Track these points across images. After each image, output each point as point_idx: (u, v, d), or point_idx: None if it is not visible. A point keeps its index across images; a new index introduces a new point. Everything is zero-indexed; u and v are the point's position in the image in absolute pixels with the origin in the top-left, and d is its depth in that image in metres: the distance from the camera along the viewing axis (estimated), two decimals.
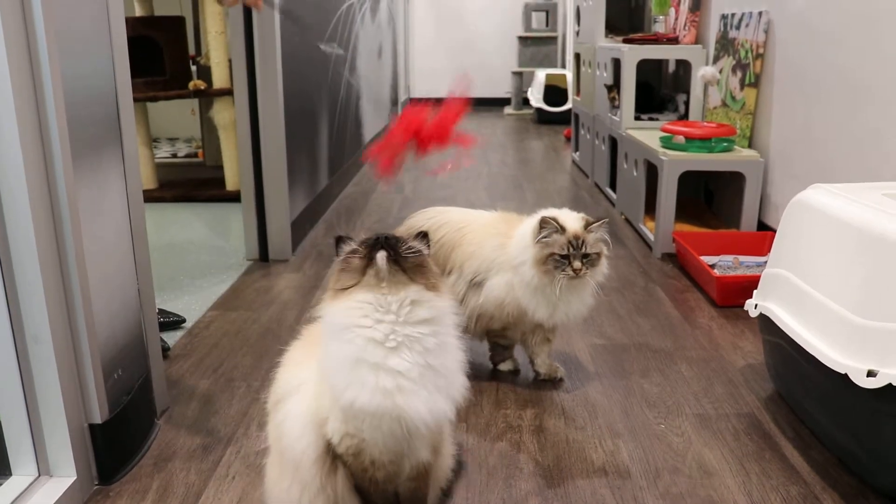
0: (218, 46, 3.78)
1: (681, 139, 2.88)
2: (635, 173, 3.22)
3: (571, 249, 1.63)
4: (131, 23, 3.73)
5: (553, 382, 1.87)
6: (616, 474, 1.48)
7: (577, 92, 4.94)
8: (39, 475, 1.38)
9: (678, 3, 3.76)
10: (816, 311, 1.49)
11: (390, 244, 1.05)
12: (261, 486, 1.35)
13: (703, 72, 2.96)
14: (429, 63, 8.46)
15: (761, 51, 2.87)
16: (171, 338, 2.12)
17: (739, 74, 3.05)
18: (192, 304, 2.39)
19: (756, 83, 2.91)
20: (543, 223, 1.64)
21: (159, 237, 3.21)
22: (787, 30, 2.71)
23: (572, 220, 1.67)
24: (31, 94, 1.24)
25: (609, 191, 3.84)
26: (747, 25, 2.99)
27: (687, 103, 3.60)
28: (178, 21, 4.03)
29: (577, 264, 1.63)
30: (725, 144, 2.83)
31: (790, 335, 1.56)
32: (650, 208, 3.08)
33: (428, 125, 1.24)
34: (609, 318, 2.28)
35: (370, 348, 1.01)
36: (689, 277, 2.63)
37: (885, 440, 1.33)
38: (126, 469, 1.49)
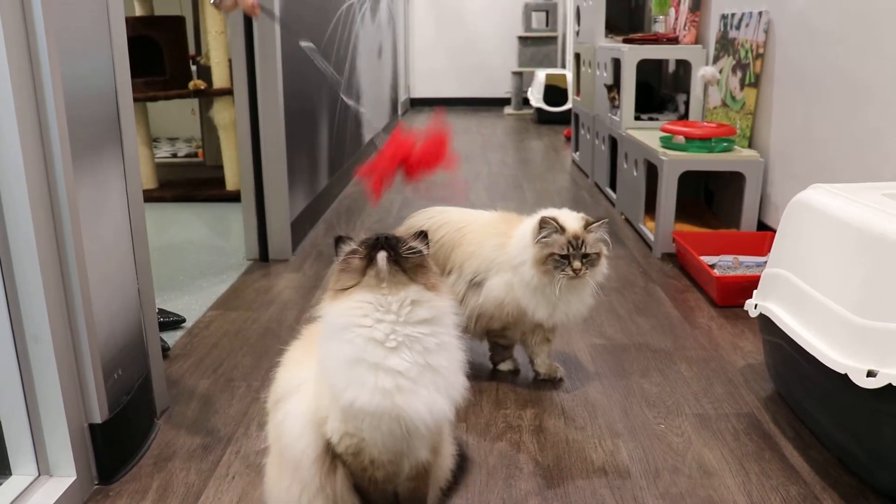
0: (218, 46, 3.78)
1: (681, 139, 2.88)
2: (635, 173, 3.22)
3: (571, 249, 1.63)
4: (131, 23, 3.73)
5: (553, 382, 1.87)
6: (616, 474, 1.48)
7: (577, 92, 4.94)
8: (39, 475, 1.38)
9: (678, 3, 3.76)
10: (816, 311, 1.49)
11: (390, 244, 1.05)
12: (260, 486, 1.35)
13: (703, 72, 2.96)
14: (429, 63, 8.46)
15: (761, 51, 2.87)
16: (171, 338, 2.12)
17: (739, 74, 3.05)
18: (192, 304, 2.39)
19: (756, 83, 2.91)
20: (543, 223, 1.64)
21: (159, 237, 3.21)
22: (787, 30, 2.72)
23: (572, 220, 1.67)
24: (31, 94, 1.25)
25: (609, 191, 3.84)
26: (747, 25, 2.99)
27: (687, 103, 3.60)
28: (178, 21, 4.03)
29: (576, 264, 1.63)
30: (725, 144, 2.83)
31: (790, 335, 1.56)
32: (650, 208, 3.08)
33: (416, 151, 1.25)
34: (609, 318, 2.28)
35: (370, 348, 1.01)
36: (689, 277, 2.63)
37: (885, 440, 1.33)
38: (126, 469, 1.49)
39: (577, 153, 4.85)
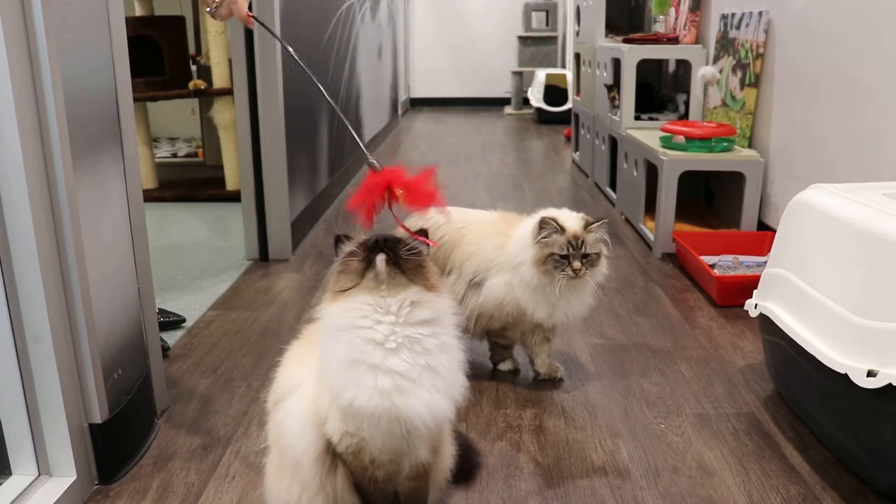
0: (218, 46, 3.78)
1: (681, 139, 2.88)
2: (635, 173, 3.22)
3: (571, 249, 1.63)
4: (131, 22, 3.73)
5: (553, 382, 1.87)
6: (616, 474, 1.48)
7: (577, 92, 4.94)
8: (39, 475, 1.38)
9: (678, 3, 3.76)
10: (816, 311, 1.49)
11: (390, 246, 1.05)
12: (260, 486, 1.35)
13: (703, 72, 2.96)
14: (429, 63, 8.46)
15: (761, 51, 2.87)
16: (171, 337, 2.12)
17: (739, 74, 3.05)
18: (192, 304, 2.39)
19: (756, 83, 2.91)
20: (543, 223, 1.64)
21: (159, 237, 3.21)
22: (787, 30, 2.71)
23: (572, 221, 1.67)
24: (31, 94, 1.24)
25: (609, 191, 3.84)
26: (747, 25, 2.99)
27: (687, 103, 3.60)
28: (178, 21, 4.03)
29: (576, 264, 1.63)
30: (725, 144, 2.83)
31: (790, 335, 1.56)
32: (650, 208, 3.08)
33: (404, 182, 1.26)
34: (609, 318, 2.28)
35: (369, 349, 1.01)
36: (689, 277, 2.63)
37: (885, 440, 1.33)
38: (126, 469, 1.49)
39: (577, 153, 4.85)
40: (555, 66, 7.79)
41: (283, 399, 1.15)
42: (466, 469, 1.45)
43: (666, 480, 1.46)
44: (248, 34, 2.60)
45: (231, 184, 3.88)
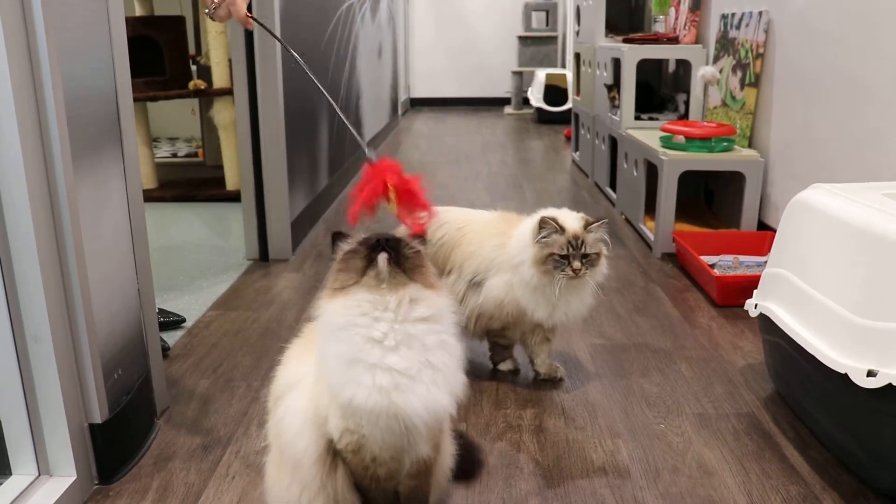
0: (218, 46, 3.78)
1: (681, 139, 2.88)
2: (635, 173, 3.22)
3: (571, 249, 1.63)
4: (131, 22, 3.73)
5: (553, 382, 1.87)
6: (616, 474, 1.48)
7: (577, 92, 4.94)
8: (39, 475, 1.38)
9: (678, 3, 3.76)
10: (816, 310, 1.49)
11: (391, 245, 1.05)
12: (260, 486, 1.35)
13: (703, 71, 2.96)
14: (429, 63, 8.46)
15: (761, 50, 2.87)
16: (171, 337, 2.12)
17: (739, 74, 3.05)
18: (192, 304, 2.39)
19: (756, 83, 2.91)
20: (543, 223, 1.64)
21: (159, 237, 3.21)
22: (787, 30, 2.71)
23: (572, 221, 1.67)
24: (31, 94, 1.24)
25: (609, 190, 3.84)
26: (747, 25, 2.99)
27: (687, 103, 3.60)
28: (178, 21, 4.03)
29: (576, 264, 1.63)
30: (725, 144, 2.83)
31: (790, 335, 1.56)
32: (650, 208, 3.08)
33: (397, 177, 1.27)
34: (609, 318, 2.28)
35: (368, 347, 1.01)
36: (689, 277, 2.63)
37: (885, 440, 1.33)
38: (126, 469, 1.49)
39: (577, 153, 4.85)
40: (555, 66, 7.79)
41: (282, 397, 1.15)
42: (467, 468, 1.46)
43: (666, 480, 1.46)
44: (249, 34, 2.61)
45: (231, 184, 3.88)
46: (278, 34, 2.67)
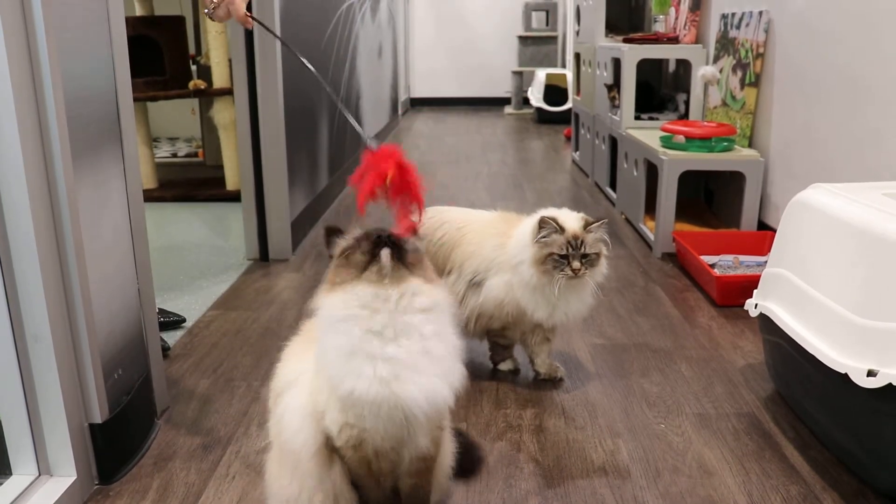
0: (218, 46, 3.78)
1: (681, 139, 2.88)
2: (635, 173, 3.22)
3: (570, 249, 1.63)
4: (131, 22, 3.73)
5: (553, 382, 1.87)
6: (616, 474, 1.48)
7: (578, 91, 4.94)
8: (39, 475, 1.38)
9: (678, 3, 3.76)
10: (816, 310, 1.49)
11: (393, 242, 1.05)
12: (261, 486, 1.35)
13: (703, 71, 2.96)
14: (429, 63, 8.46)
15: (761, 50, 2.87)
16: (171, 337, 2.12)
17: (739, 74, 3.05)
18: (192, 304, 2.39)
19: (756, 83, 2.91)
20: (542, 223, 1.64)
21: (159, 237, 3.21)
22: (787, 29, 2.71)
23: (572, 220, 1.67)
24: (31, 93, 1.24)
25: (609, 190, 3.84)
26: (747, 25, 2.99)
27: (687, 103, 3.60)
28: (178, 21, 4.03)
29: (575, 264, 1.63)
30: (725, 144, 2.83)
31: (790, 335, 1.56)
32: (650, 208, 3.08)
33: (397, 163, 1.26)
34: (609, 317, 2.28)
35: (368, 338, 1.02)
36: (689, 277, 2.63)
37: (885, 440, 1.33)
38: (126, 469, 1.49)
39: (577, 153, 4.85)
40: (555, 65, 7.79)
41: (282, 394, 1.15)
42: (467, 466, 1.46)
43: (666, 480, 1.46)
44: (249, 34, 2.61)
45: (231, 184, 3.88)
46: (278, 34, 2.67)
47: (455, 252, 1.79)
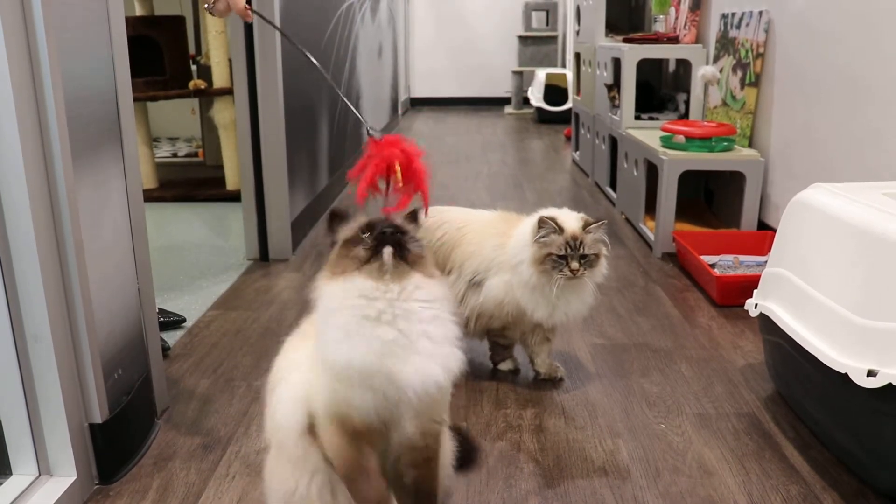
0: (218, 46, 3.78)
1: (681, 138, 2.88)
2: (635, 173, 3.22)
3: (569, 250, 1.63)
4: (131, 22, 3.73)
5: (553, 382, 1.87)
6: (616, 474, 1.48)
7: (578, 91, 4.93)
8: (40, 475, 1.38)
9: (678, 3, 3.76)
10: (816, 310, 1.49)
11: (397, 239, 1.06)
12: (261, 486, 1.35)
13: (703, 71, 2.96)
14: (429, 63, 8.46)
15: (761, 50, 2.87)
16: (172, 337, 2.12)
17: (740, 74, 3.05)
18: (192, 304, 2.39)
19: (756, 83, 2.91)
20: (542, 223, 1.64)
21: (159, 237, 3.21)
22: (787, 29, 2.71)
23: (571, 221, 1.67)
24: (31, 93, 1.24)
25: (609, 190, 3.84)
26: (747, 25, 2.99)
27: (687, 103, 3.60)
28: (178, 21, 4.03)
29: (574, 265, 1.63)
30: (725, 144, 2.83)
31: (790, 335, 1.56)
32: (650, 208, 3.08)
33: (402, 151, 1.27)
34: (609, 317, 2.28)
35: (365, 322, 1.02)
36: (689, 277, 2.63)
37: (885, 440, 1.33)
38: (126, 469, 1.49)
39: (578, 153, 4.85)
40: (555, 65, 7.79)
41: (276, 385, 1.15)
42: (466, 463, 1.46)
43: (666, 480, 1.46)
44: (248, 33, 2.60)
45: (231, 184, 3.88)
46: (279, 35, 2.67)
47: (455, 252, 1.79)
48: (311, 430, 1.09)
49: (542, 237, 1.64)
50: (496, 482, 1.45)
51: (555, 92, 6.92)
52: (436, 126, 6.89)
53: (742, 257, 2.60)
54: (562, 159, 5.12)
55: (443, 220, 1.84)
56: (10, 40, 1.18)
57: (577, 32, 4.99)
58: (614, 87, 3.74)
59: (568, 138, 5.74)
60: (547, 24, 7.83)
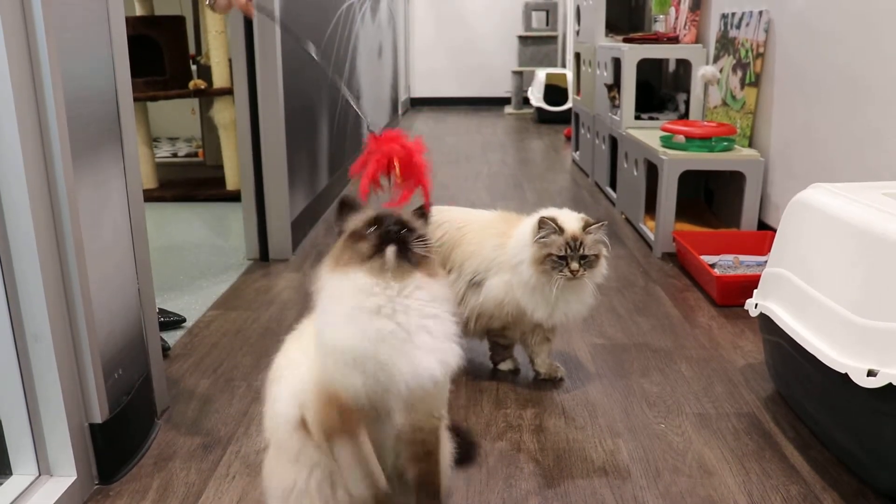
0: (218, 46, 3.78)
1: (681, 138, 2.88)
2: (635, 173, 3.22)
3: (569, 251, 1.63)
4: (131, 22, 3.73)
5: (553, 382, 1.87)
6: (616, 474, 1.48)
7: (578, 91, 4.94)
8: (40, 475, 1.38)
9: (678, 3, 3.76)
10: (817, 310, 1.49)
11: (401, 238, 1.05)
12: (260, 486, 1.35)
13: (703, 71, 2.96)
14: (429, 63, 8.46)
15: (761, 50, 2.87)
16: (172, 337, 2.12)
17: (740, 74, 3.05)
18: (192, 304, 2.39)
19: (756, 82, 2.91)
20: (542, 223, 1.64)
21: (159, 237, 3.21)
22: (787, 29, 2.71)
23: (571, 221, 1.67)
24: (31, 93, 1.24)
25: (609, 190, 3.84)
26: (747, 25, 2.99)
27: (687, 102, 3.60)
28: (178, 20, 4.03)
29: (574, 266, 1.63)
30: (725, 144, 2.83)
31: (790, 335, 1.56)
32: (650, 208, 3.08)
33: (402, 146, 1.27)
34: (609, 317, 2.28)
35: (364, 313, 1.03)
36: (689, 277, 2.63)
37: (885, 440, 1.33)
38: (126, 469, 1.49)
39: (578, 153, 4.85)
40: (555, 65, 7.79)
41: (274, 382, 1.15)
42: (467, 465, 1.46)
43: (666, 480, 1.46)
44: (248, 33, 2.60)
45: (231, 184, 3.88)
46: (279, 35, 2.67)
47: (455, 252, 1.79)
48: (304, 423, 1.09)
49: (543, 237, 1.64)
50: (496, 482, 1.45)
51: (555, 92, 6.92)
52: (436, 126, 6.89)
53: (742, 257, 2.60)
54: (562, 159, 5.12)
55: (443, 219, 1.84)
56: (10, 40, 1.18)
57: (577, 32, 4.99)
58: (614, 87, 3.74)
59: (568, 138, 5.74)
60: (547, 24, 7.83)
